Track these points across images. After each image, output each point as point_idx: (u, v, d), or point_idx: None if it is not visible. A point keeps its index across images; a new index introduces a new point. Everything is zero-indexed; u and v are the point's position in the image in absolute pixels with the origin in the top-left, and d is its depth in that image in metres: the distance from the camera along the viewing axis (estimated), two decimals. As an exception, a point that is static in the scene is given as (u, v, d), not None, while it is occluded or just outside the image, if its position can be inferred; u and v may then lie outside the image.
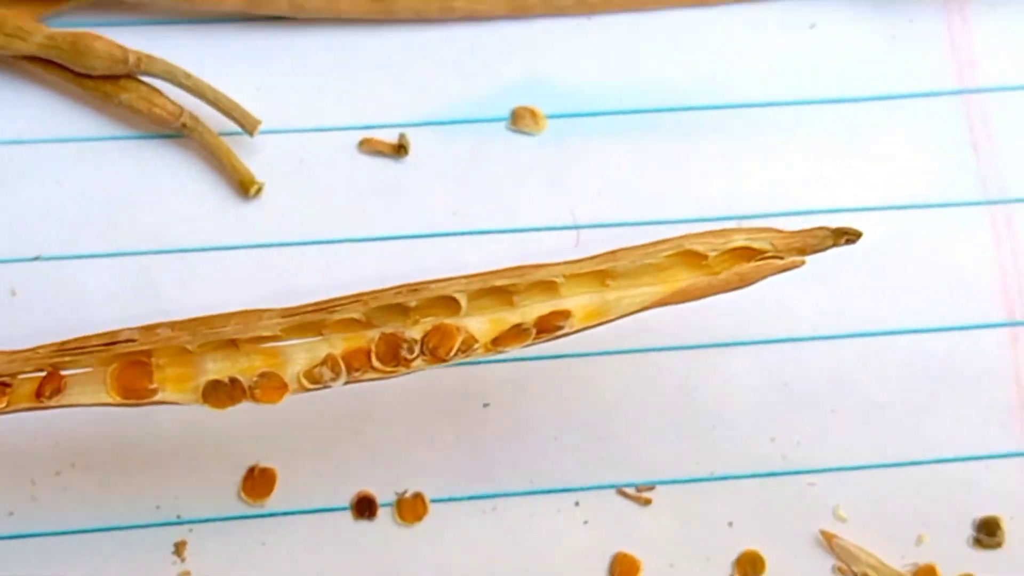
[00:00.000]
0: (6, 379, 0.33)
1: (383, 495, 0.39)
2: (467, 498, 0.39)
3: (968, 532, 0.39)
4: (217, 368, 0.33)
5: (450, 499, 0.39)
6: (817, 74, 0.43)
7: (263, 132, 0.40)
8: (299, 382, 0.33)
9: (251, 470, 0.38)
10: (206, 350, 0.33)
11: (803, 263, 0.33)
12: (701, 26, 0.43)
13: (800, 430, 0.40)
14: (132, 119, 0.40)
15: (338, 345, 0.33)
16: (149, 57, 0.39)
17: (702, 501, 0.39)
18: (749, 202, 0.41)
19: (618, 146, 0.42)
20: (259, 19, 0.41)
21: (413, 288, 0.33)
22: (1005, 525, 0.39)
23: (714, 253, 0.33)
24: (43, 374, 0.33)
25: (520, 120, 0.41)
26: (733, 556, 0.39)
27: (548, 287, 0.33)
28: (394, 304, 0.33)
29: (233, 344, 0.33)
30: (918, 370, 0.40)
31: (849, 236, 0.33)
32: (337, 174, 0.41)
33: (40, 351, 0.33)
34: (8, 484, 0.38)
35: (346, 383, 0.33)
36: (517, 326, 0.33)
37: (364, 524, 0.39)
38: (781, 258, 0.33)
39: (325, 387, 0.33)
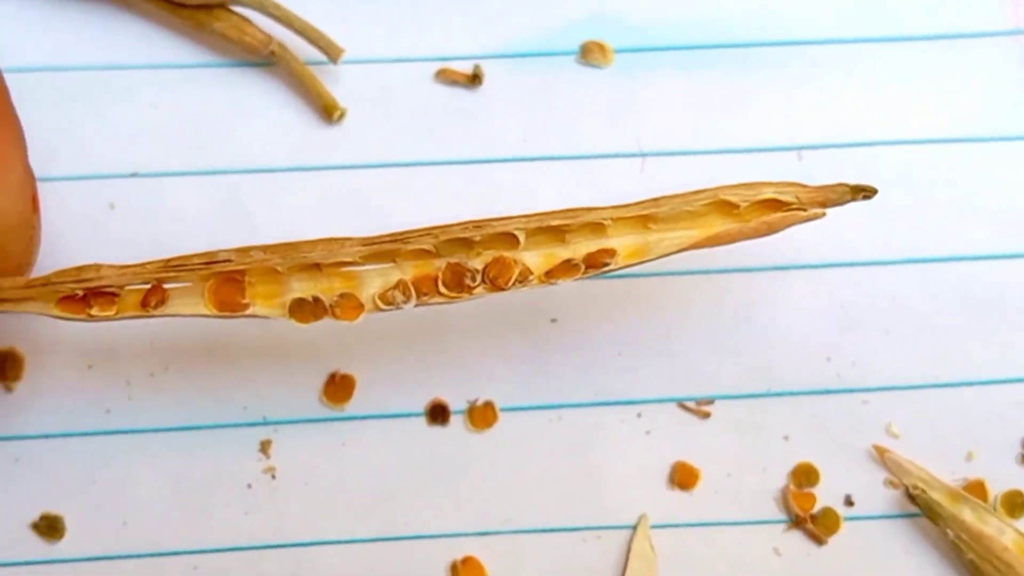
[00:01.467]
0: (115, 290, 0.35)
1: (455, 403, 0.41)
2: (534, 407, 0.41)
3: (1016, 450, 0.41)
4: (302, 287, 0.36)
5: (518, 408, 0.41)
6: (876, 13, 0.44)
7: (346, 62, 0.43)
8: (374, 303, 0.36)
9: (332, 376, 0.41)
10: (293, 271, 0.36)
11: (824, 215, 0.36)
12: (764, -33, 0.44)
13: (855, 350, 0.41)
14: (224, 47, 0.43)
15: (409, 272, 0.36)
16: (241, -12, 0.42)
17: (759, 415, 0.41)
18: (808, 134, 0.43)
19: (683, 79, 0.43)
20: (344, -45, 0.44)
21: (478, 224, 0.36)
22: (1053, 444, 0.41)
23: (745, 203, 0.36)
24: (148, 287, 0.36)
25: (589, 54, 0.43)
26: (788, 468, 0.41)
27: (597, 228, 0.36)
28: (461, 238, 0.36)
29: (317, 267, 0.36)
30: (971, 296, 0.42)
31: (866, 192, 0.36)
32: (415, 102, 0.43)
33: (148, 266, 0.36)
34: (106, 383, 0.40)
35: (416, 306, 0.36)
36: (568, 261, 0.36)
37: (437, 429, 0.41)
38: (804, 210, 0.36)
39: (397, 308, 0.36)
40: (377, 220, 0.41)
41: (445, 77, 0.43)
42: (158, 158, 0.42)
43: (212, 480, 0.40)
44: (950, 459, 0.41)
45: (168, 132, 0.42)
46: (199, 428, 0.40)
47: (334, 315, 0.36)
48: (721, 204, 0.36)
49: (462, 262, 0.36)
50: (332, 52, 0.42)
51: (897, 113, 0.43)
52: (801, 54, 0.43)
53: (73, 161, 0.42)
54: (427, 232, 0.36)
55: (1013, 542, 0.39)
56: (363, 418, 0.40)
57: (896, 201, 0.42)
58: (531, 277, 0.36)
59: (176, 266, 0.35)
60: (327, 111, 0.42)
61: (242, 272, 0.36)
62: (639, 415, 0.41)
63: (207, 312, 0.35)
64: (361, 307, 0.36)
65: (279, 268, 0.36)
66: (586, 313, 0.41)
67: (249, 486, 0.40)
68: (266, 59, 0.42)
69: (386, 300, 0.36)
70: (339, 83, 0.43)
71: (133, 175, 0.42)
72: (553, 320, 0.41)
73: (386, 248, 0.36)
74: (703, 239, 0.36)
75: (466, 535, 0.40)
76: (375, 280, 0.36)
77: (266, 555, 0.39)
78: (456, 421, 0.41)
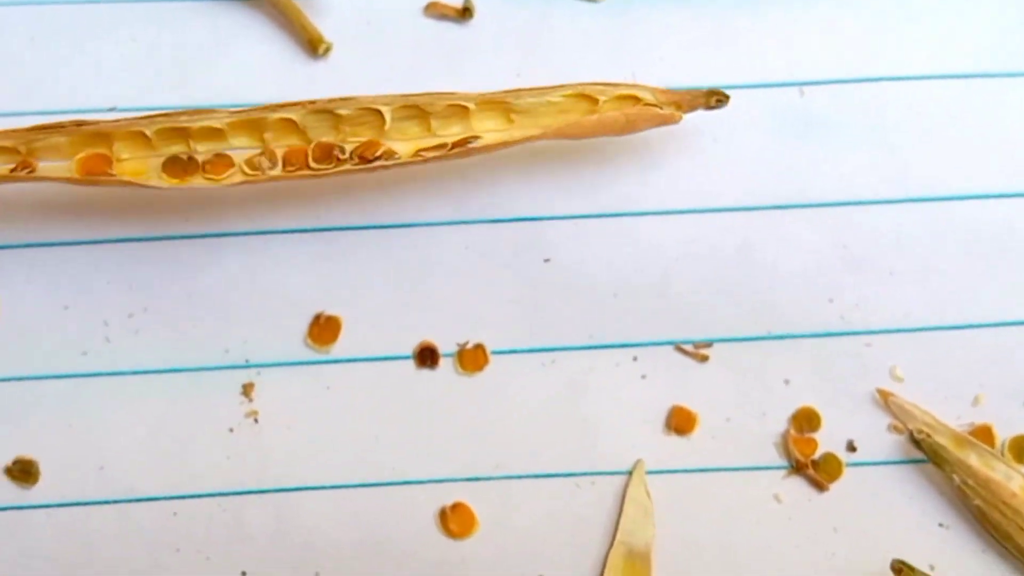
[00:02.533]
0: None
1: (445, 345, 0.39)
2: (527, 350, 0.39)
3: (1025, 395, 0.39)
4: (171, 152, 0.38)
5: (511, 351, 0.40)
6: (880, -52, 0.43)
7: (332, -5, 0.41)
8: (241, 170, 0.37)
9: (317, 318, 0.39)
10: (162, 141, 0.37)
11: (680, 118, 0.38)
12: (765, -100, 0.43)
13: (858, 291, 0.40)
14: (205, -21, 0.41)
15: (281, 148, 0.37)
16: (223, -84, 0.40)
17: (759, 359, 0.40)
18: (809, 70, 0.42)
19: (680, 13, 0.42)
20: None
21: (345, 99, 0.37)
22: (1062, 388, 0.39)
23: (604, 98, 0.37)
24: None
25: (584, -13, 0.42)
26: (789, 412, 0.39)
27: (461, 111, 0.38)
28: (328, 110, 0.37)
29: (185, 136, 0.37)
30: (977, 235, 0.40)
31: (719, 97, 0.38)
32: (403, 36, 0.41)
33: (19, 130, 0.37)
34: (82, 324, 0.39)
35: (281, 175, 0.37)
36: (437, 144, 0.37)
37: (426, 372, 0.39)
38: (660, 108, 0.38)
39: (265, 176, 0.37)
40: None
41: (435, 11, 0.42)
42: (138, 93, 0.41)
43: (192, 424, 0.39)
44: (956, 403, 0.39)
45: (149, 67, 0.41)
46: (179, 371, 0.39)
47: (204, 171, 0.36)
48: (581, 97, 0.38)
49: (332, 141, 0.37)
50: (317, -17, 0.40)
51: (901, 48, 0.42)
52: (802, -12, 0.42)
53: (52, 96, 0.41)
54: (295, 104, 0.37)
55: (1021, 488, 0.38)
56: (349, 361, 0.39)
57: (900, 138, 0.41)
58: (397, 156, 0.37)
59: (46, 128, 0.36)
60: (312, 45, 0.41)
61: (110, 140, 0.36)
62: (635, 358, 0.39)
63: (74, 177, 0.36)
64: (231, 164, 0.37)
65: (147, 133, 0.36)
66: (580, 253, 0.40)
67: (231, 430, 0.39)
68: (249, -9, 0.41)
69: (252, 165, 0.37)
70: (325, 17, 0.41)
71: (112, 109, 0.40)
72: (546, 260, 0.40)
73: (254, 116, 0.37)
74: (563, 126, 0.37)
75: (455, 481, 0.39)
76: (244, 155, 0.37)
77: (248, 501, 0.38)
78: (446, 364, 0.39)
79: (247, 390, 0.39)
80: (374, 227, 0.40)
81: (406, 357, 0.39)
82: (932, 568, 0.38)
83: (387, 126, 0.37)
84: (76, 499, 0.38)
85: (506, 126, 0.38)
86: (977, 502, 0.38)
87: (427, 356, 0.39)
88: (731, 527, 0.38)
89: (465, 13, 0.41)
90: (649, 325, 0.40)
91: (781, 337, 0.40)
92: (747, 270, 0.40)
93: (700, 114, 0.40)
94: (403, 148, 0.37)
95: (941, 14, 0.42)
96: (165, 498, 0.38)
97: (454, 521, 0.38)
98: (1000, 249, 0.40)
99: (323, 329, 0.39)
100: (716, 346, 0.40)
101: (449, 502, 0.38)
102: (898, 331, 0.40)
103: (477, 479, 0.38)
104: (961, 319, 0.40)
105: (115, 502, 0.38)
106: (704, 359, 0.39)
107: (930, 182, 0.41)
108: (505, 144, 0.37)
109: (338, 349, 0.39)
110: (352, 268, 0.40)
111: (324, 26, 0.41)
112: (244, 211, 0.40)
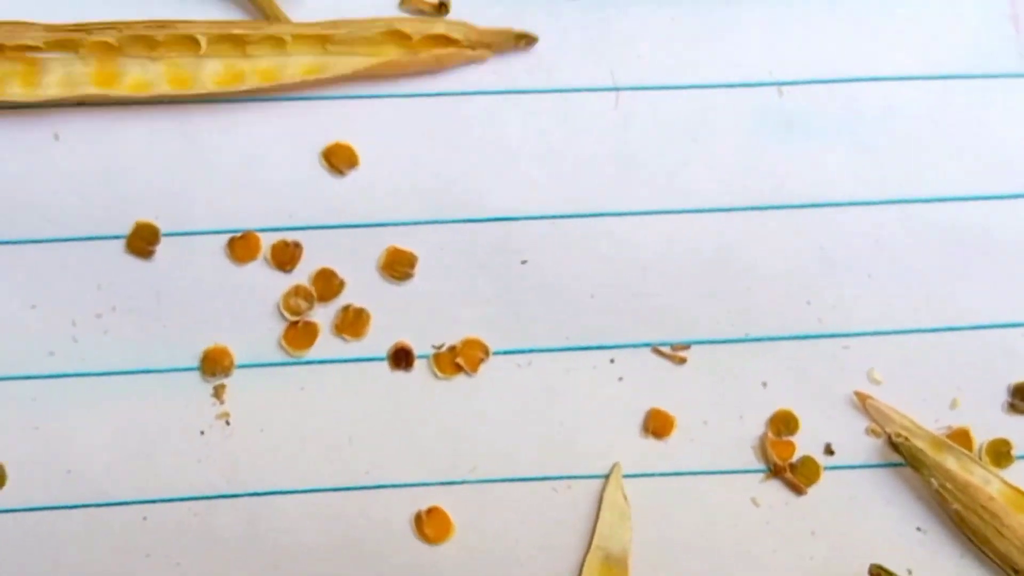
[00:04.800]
0: None
1: (420, 347, 0.39)
2: (503, 352, 0.39)
3: (1003, 397, 0.39)
4: None
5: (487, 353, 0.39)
6: (860, -54, 0.42)
7: (305, -12, 0.40)
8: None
9: (295, 323, 0.39)
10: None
11: (489, 56, 0.39)
12: None
13: (836, 294, 0.40)
14: (175, -30, 0.40)
15: (92, 65, 0.38)
16: (193, -94, 0.39)
17: (736, 361, 0.39)
18: (789, 70, 0.41)
19: (660, 10, 0.41)
20: None
21: (161, 24, 0.38)
22: (1040, 391, 0.39)
23: (418, 36, 0.39)
24: None
25: (562, -17, 0.41)
26: (767, 415, 0.39)
27: (278, 42, 0.39)
28: (144, 35, 0.38)
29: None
30: (955, 237, 0.40)
31: (528, 39, 0.39)
32: (378, 31, 0.41)
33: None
34: (48, 324, 0.38)
35: None
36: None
37: (400, 374, 0.39)
38: (473, 49, 0.39)
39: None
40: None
41: (411, 5, 0.41)
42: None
43: (162, 426, 0.38)
44: (934, 406, 0.39)
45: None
46: (148, 372, 0.38)
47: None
48: (395, 34, 0.39)
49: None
50: (290, -25, 0.40)
51: (881, 48, 0.41)
52: (782, -14, 0.42)
53: (14, 89, 0.39)
54: (111, 26, 0.37)
55: (999, 492, 0.38)
56: (322, 362, 0.38)
57: (879, 139, 0.41)
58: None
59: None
60: (285, 39, 0.40)
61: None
62: (612, 360, 0.39)
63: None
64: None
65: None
66: (558, 254, 0.39)
67: (202, 433, 0.38)
68: (220, -17, 0.40)
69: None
70: (298, 8, 0.40)
71: (79, 104, 0.39)
72: (523, 261, 0.39)
73: (70, 36, 0.37)
74: (376, 64, 0.38)
75: (431, 485, 0.38)
76: (57, 68, 0.37)
77: (219, 505, 0.37)
78: (421, 366, 0.39)
79: (218, 392, 0.38)
80: (348, 226, 0.39)
81: (380, 359, 0.39)
82: (910, 572, 0.38)
83: (202, 51, 0.38)
84: (43, 504, 0.37)
85: (321, 56, 0.39)
86: (955, 506, 0.38)
87: (401, 358, 0.39)
88: (708, 531, 0.38)
89: (441, 8, 0.41)
90: (626, 327, 0.39)
91: (759, 339, 0.39)
92: (725, 271, 0.40)
93: (679, 114, 0.40)
94: (215, 69, 0.38)
95: (921, 15, 0.41)
96: (134, 502, 0.37)
97: (430, 526, 0.38)
98: (979, 251, 0.40)
99: (300, 333, 0.38)
100: (694, 348, 0.39)
101: (424, 506, 0.38)
102: (876, 333, 0.39)
103: (452, 483, 0.38)
104: (939, 321, 0.40)
105: (83, 506, 0.37)
106: (682, 361, 0.39)
107: (909, 183, 0.40)
108: (316, 81, 0.38)
109: (313, 351, 0.38)
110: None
111: (297, 17, 0.40)
112: (215, 209, 0.39)
